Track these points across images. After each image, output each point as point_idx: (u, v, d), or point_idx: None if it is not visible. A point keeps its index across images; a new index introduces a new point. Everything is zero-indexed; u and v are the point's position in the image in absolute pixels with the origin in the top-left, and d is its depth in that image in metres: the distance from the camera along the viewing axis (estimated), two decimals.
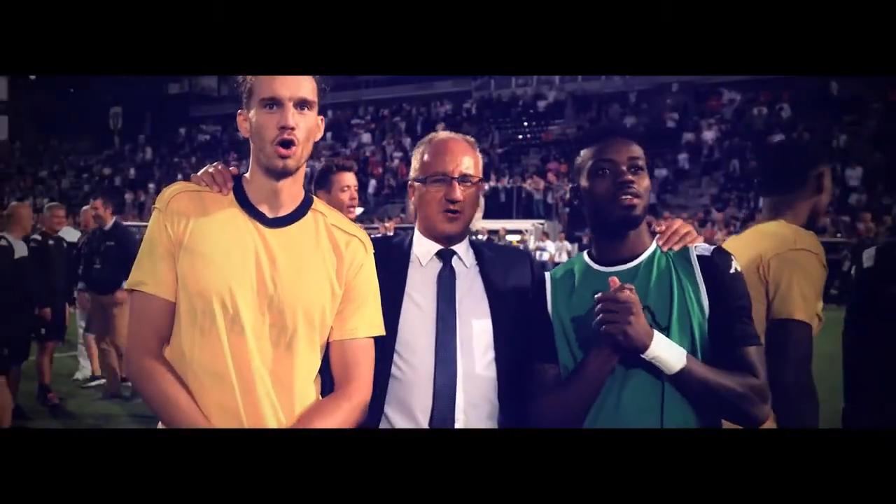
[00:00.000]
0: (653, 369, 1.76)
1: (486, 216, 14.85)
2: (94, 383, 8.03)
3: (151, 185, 37.73)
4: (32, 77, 50.75)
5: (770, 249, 2.25)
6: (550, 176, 26.32)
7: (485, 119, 33.58)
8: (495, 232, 21.66)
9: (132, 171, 41.07)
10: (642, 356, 1.73)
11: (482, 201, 2.21)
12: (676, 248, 1.92)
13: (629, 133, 1.94)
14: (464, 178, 2.08)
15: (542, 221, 24.23)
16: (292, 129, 1.76)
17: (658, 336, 1.74)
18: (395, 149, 32.97)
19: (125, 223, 8.03)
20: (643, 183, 1.87)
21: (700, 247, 1.91)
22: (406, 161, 30.77)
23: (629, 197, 1.83)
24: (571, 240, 21.52)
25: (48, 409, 6.57)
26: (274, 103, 1.77)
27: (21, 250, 6.29)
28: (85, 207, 7.71)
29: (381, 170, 31.10)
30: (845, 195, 21.24)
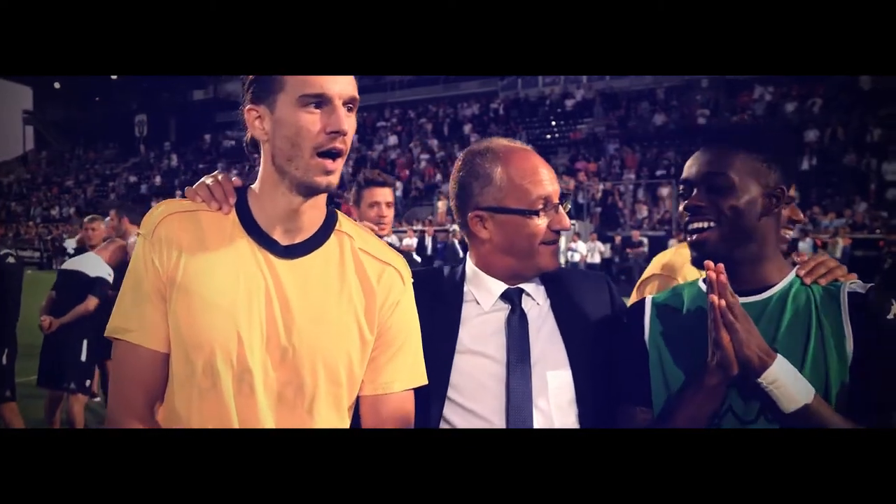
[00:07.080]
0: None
1: None
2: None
3: (178, 193, 38.01)
4: (57, 86, 51.53)
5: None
6: (581, 175, 26.14)
7: (512, 119, 33.54)
8: None
9: (158, 179, 41.44)
10: (758, 381, 1.43)
11: None
12: (823, 281, 1.61)
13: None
14: (563, 198, 1.74)
15: (573, 222, 23.99)
16: (345, 134, 1.42)
17: (781, 357, 1.44)
18: (421, 150, 32.98)
19: None
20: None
21: (853, 284, 1.58)
22: (433, 163, 30.66)
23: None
24: (604, 240, 21.30)
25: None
26: (322, 101, 1.41)
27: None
28: (88, 221, 6.65)
29: (408, 172, 31.07)
30: (882, 190, 20.87)
